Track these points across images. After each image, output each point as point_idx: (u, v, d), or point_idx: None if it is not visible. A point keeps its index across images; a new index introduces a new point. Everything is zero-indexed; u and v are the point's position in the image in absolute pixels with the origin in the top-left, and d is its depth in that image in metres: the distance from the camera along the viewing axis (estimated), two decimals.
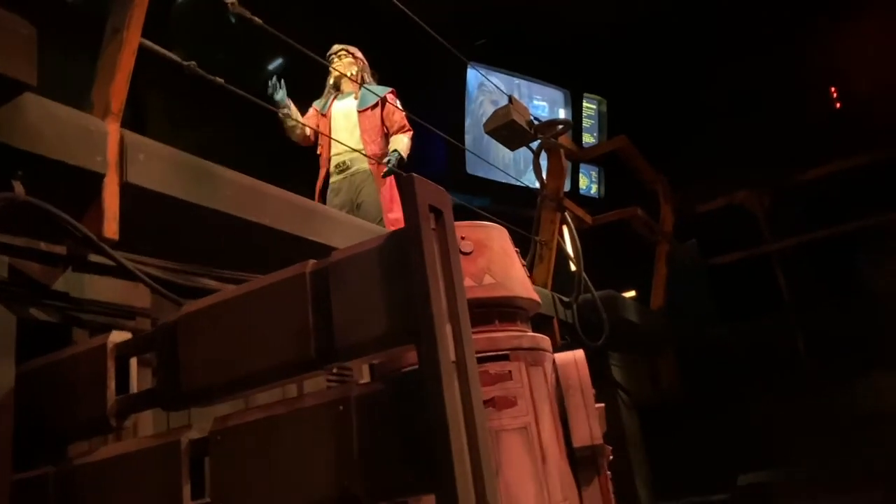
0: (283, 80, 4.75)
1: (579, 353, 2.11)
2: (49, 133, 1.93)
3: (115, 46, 2.21)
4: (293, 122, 4.88)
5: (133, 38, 2.23)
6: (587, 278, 5.05)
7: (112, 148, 2.10)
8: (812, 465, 5.32)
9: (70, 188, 2.04)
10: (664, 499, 5.35)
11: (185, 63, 2.47)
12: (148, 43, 2.30)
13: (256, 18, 2.82)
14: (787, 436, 5.72)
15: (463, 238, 1.96)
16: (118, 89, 2.20)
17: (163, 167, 2.28)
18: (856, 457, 5.25)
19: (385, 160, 4.78)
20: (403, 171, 4.79)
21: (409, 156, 5.00)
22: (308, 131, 5.06)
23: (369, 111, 5.00)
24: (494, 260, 2.06)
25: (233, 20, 2.93)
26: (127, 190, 2.13)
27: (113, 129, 2.12)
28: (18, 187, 1.86)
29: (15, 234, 1.98)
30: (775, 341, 6.59)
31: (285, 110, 4.79)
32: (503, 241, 2.13)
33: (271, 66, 8.07)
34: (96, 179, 2.06)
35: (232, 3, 2.69)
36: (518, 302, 2.08)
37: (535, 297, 2.15)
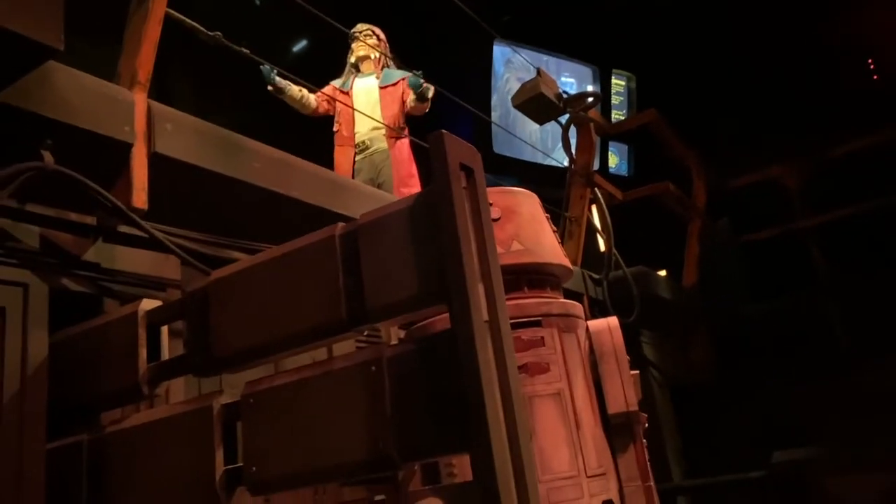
0: (270, 67, 4.64)
1: (613, 320, 2.07)
2: (77, 102, 1.93)
3: (141, 17, 2.20)
4: (301, 94, 4.87)
5: (158, 8, 2.22)
6: (618, 255, 4.99)
7: (140, 118, 2.09)
8: (847, 442, 5.22)
9: (98, 158, 2.04)
10: (698, 476, 5.30)
11: (211, 33, 2.45)
12: (173, 13, 2.29)
13: None
14: (821, 414, 5.62)
15: (491, 204, 1.92)
16: (145, 59, 2.19)
17: (191, 138, 2.27)
18: (891, 435, 5.15)
19: (417, 82, 4.75)
20: (427, 100, 4.81)
21: None
22: (322, 101, 5.02)
23: (391, 87, 4.99)
24: (523, 226, 2.02)
25: (257, 2, 2.91)
26: (155, 160, 2.13)
27: (140, 99, 2.12)
28: (48, 156, 1.86)
29: (45, 204, 1.98)
30: (810, 319, 6.46)
31: (287, 90, 4.80)
32: (533, 207, 2.09)
33: (295, 49, 8.07)
34: (125, 149, 2.06)
35: None
36: (548, 268, 2.04)
37: (567, 263, 2.11)
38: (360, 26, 5.21)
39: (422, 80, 4.74)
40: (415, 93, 4.76)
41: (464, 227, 1.39)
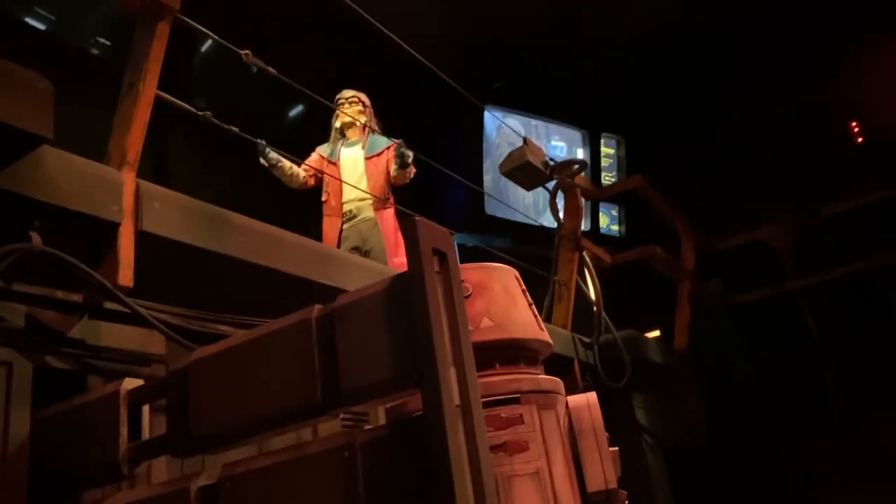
0: (264, 142, 4.58)
1: (592, 396, 2.08)
2: (66, 184, 1.98)
3: (132, 99, 2.28)
4: (291, 170, 4.90)
5: (149, 91, 2.29)
6: (608, 318, 5.01)
7: (128, 197, 2.14)
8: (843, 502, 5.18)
9: (86, 237, 2.08)
10: None
11: (201, 113, 2.52)
12: (164, 95, 2.36)
13: (271, 68, 2.89)
14: (817, 477, 5.58)
15: (462, 281, 1.95)
16: (134, 140, 2.26)
17: (178, 215, 2.32)
18: (887, 493, 5.10)
19: (399, 150, 4.77)
20: (409, 165, 4.80)
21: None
22: (310, 177, 5.06)
23: (376, 158, 5.04)
24: (495, 301, 2.04)
25: (254, 70, 3.00)
26: (142, 238, 2.17)
27: (129, 179, 2.17)
28: (36, 238, 1.91)
29: (32, 283, 2.02)
30: (803, 379, 6.46)
31: (279, 164, 4.82)
32: (506, 281, 2.11)
33: (292, 113, 8.24)
34: (112, 228, 2.10)
35: (246, 54, 2.77)
36: (520, 343, 2.05)
37: (543, 336, 2.12)
38: (345, 92, 5.25)
39: (403, 149, 4.75)
40: (397, 162, 4.80)
41: (436, 312, 1.42)
